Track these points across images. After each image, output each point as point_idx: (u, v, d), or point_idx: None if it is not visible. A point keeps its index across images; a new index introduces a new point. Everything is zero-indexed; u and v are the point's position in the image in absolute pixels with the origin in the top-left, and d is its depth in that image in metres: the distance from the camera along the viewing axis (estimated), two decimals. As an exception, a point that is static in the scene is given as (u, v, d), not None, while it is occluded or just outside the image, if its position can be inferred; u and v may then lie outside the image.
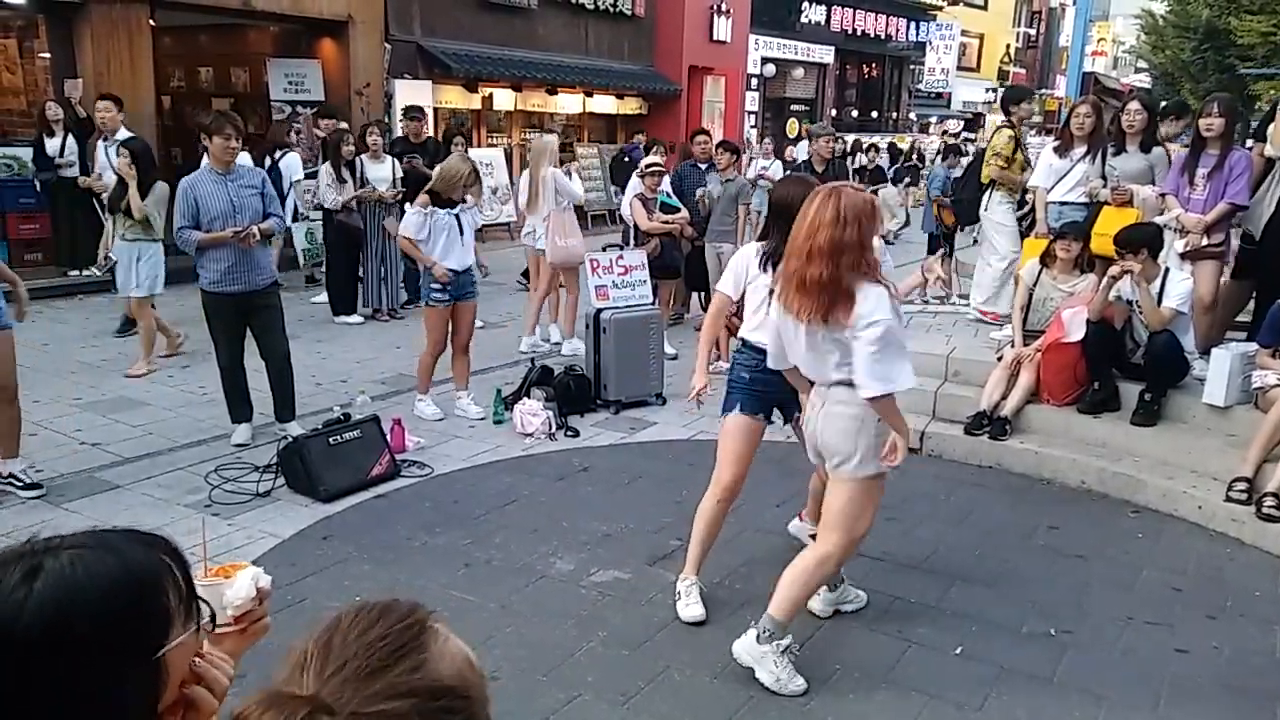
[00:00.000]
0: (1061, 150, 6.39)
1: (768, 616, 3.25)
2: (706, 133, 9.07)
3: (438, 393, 6.08)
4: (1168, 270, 5.28)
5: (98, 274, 9.02)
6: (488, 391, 6.18)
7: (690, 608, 3.66)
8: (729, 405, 3.71)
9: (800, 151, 16.39)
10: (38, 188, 9.43)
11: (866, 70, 26.98)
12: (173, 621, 0.93)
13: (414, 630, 0.88)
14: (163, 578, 0.93)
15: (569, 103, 16.79)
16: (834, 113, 24.90)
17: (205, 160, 5.45)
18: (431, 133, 11.18)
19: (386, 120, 11.92)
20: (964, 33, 29.79)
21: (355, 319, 8.63)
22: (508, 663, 3.32)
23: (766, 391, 3.65)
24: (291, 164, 9.65)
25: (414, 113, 9.65)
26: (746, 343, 3.69)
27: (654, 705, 3.15)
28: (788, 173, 15.94)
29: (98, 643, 0.87)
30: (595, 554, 4.22)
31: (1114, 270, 5.15)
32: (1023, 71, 36.24)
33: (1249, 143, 6.67)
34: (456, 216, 5.67)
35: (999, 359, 5.78)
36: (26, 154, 9.52)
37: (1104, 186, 6.01)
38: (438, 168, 6.01)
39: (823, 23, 23.19)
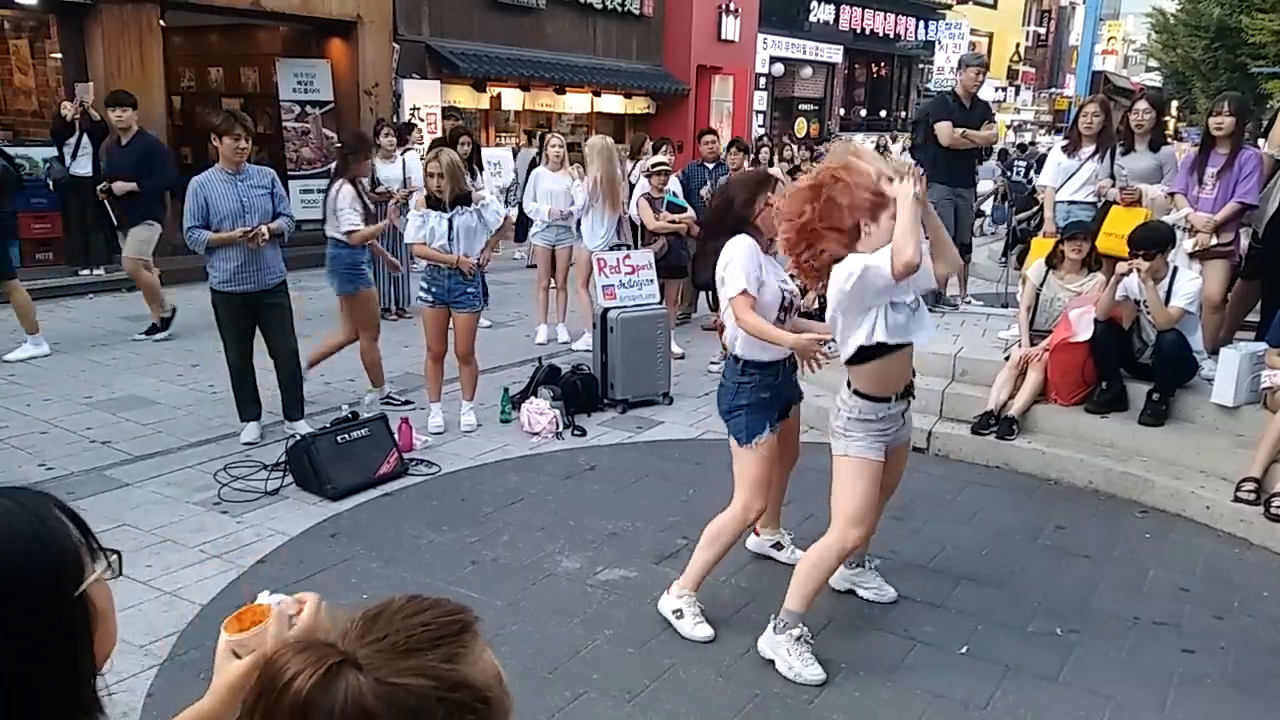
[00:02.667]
0: (1070, 149, 6.38)
1: (784, 609, 3.33)
2: (714, 132, 9.10)
3: (449, 390, 6.08)
4: (1176, 269, 5.26)
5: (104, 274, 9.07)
6: (495, 391, 6.20)
7: (700, 627, 3.56)
8: (757, 429, 3.50)
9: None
10: (49, 187, 9.49)
11: (875, 69, 26.93)
12: (83, 559, 0.94)
13: (457, 626, 0.92)
14: (62, 521, 0.95)
15: (577, 102, 16.81)
16: (843, 112, 24.87)
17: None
18: (440, 132, 11.23)
19: (395, 120, 11.95)
20: (973, 31, 29.66)
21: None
22: (514, 660, 3.33)
23: (779, 404, 3.64)
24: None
25: (451, 113, 10.07)
26: (754, 363, 3.52)
27: (659, 703, 3.15)
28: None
29: (14, 590, 0.88)
30: (602, 552, 4.23)
31: (1121, 267, 5.13)
32: (1032, 70, 36.15)
33: (1260, 142, 6.64)
34: (450, 220, 5.46)
35: (1006, 358, 5.77)
36: (38, 154, 9.58)
37: (1113, 186, 6.00)
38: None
39: (831, 22, 23.15)
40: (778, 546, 4.20)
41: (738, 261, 3.42)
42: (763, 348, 3.49)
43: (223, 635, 1.18)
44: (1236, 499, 4.57)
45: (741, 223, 3.51)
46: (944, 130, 7.00)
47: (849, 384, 3.31)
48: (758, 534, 4.22)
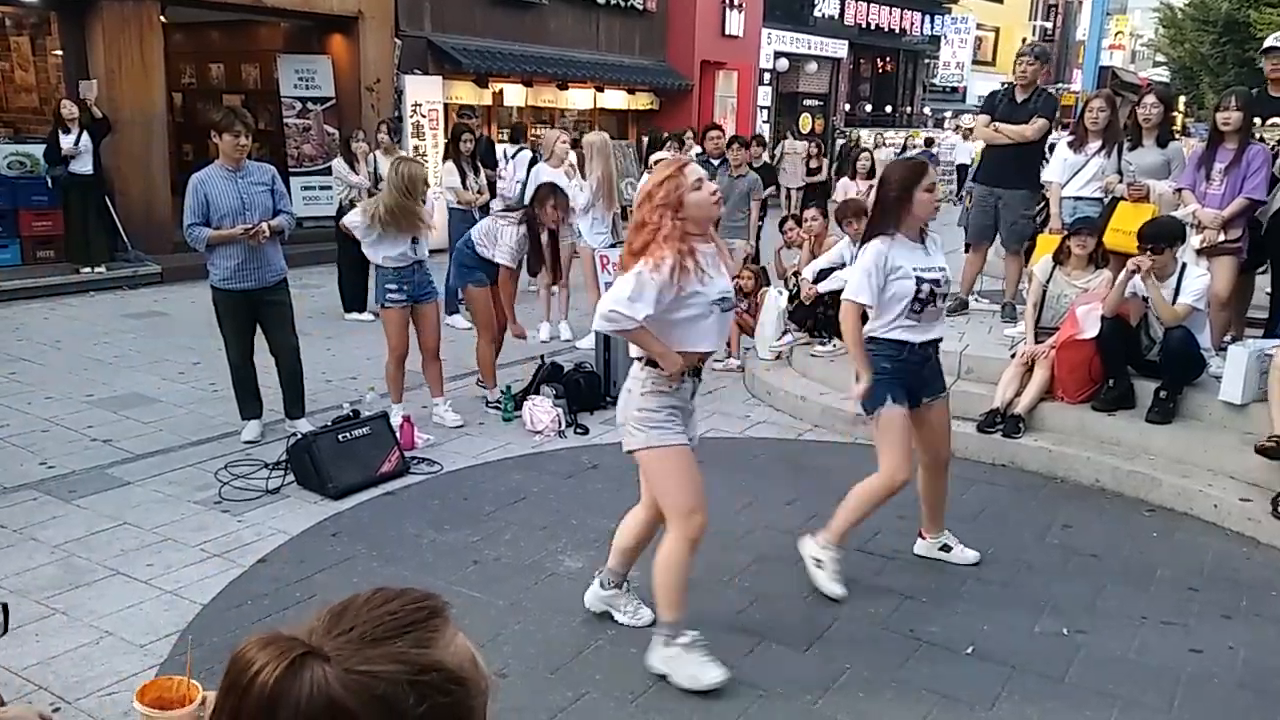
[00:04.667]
0: (1076, 145, 6.33)
1: (659, 623, 3.26)
2: (719, 128, 9.05)
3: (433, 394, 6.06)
4: (1185, 266, 5.21)
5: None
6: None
7: (835, 585, 3.78)
8: (879, 399, 3.67)
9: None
10: (50, 185, 9.49)
11: (880, 64, 26.83)
12: None
13: (425, 612, 0.89)
14: None
15: (580, 98, 16.76)
16: (848, 107, 24.79)
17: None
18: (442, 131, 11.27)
19: (397, 116, 11.93)
20: (979, 26, 29.59)
21: (365, 316, 8.63)
22: (516, 660, 3.31)
23: (907, 380, 3.74)
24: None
25: (466, 112, 10.27)
26: (879, 339, 3.71)
27: (661, 703, 3.13)
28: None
29: None
30: (604, 551, 4.17)
31: (1131, 264, 5.09)
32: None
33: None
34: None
35: (1012, 356, 5.73)
36: (40, 151, 9.59)
37: (1120, 181, 5.95)
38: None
39: (836, 16, 23.05)
40: (945, 549, 4.15)
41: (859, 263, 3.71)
42: (886, 327, 3.69)
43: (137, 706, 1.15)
44: (1261, 449, 4.53)
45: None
46: (977, 124, 6.86)
47: (642, 360, 3.18)
48: (924, 537, 4.19)
